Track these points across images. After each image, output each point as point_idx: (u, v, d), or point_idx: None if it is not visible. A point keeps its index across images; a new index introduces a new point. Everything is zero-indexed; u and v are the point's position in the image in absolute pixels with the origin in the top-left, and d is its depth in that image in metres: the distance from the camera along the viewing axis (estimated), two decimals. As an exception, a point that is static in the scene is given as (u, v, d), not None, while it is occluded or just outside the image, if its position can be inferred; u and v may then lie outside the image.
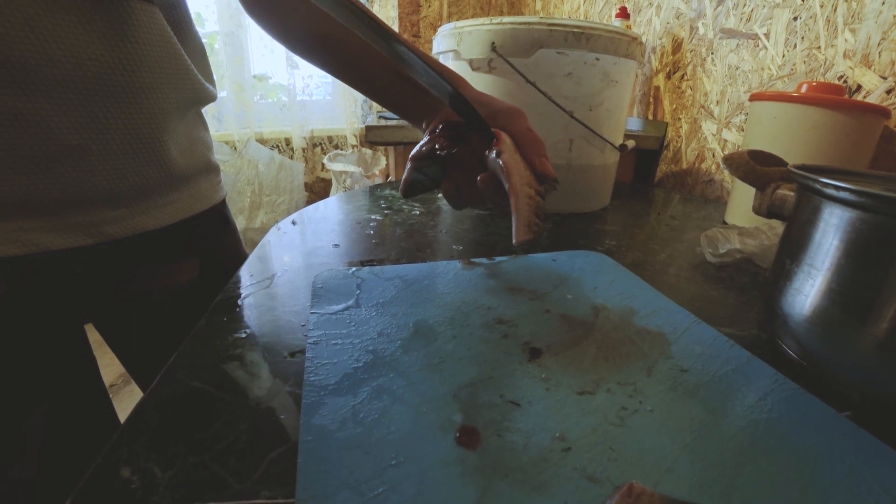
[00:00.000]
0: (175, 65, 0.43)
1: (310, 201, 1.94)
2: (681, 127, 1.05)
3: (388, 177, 1.62)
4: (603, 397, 0.30)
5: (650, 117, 1.15)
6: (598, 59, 0.62)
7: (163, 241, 0.47)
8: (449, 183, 0.42)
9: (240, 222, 1.61)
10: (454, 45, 0.66)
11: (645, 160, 1.09)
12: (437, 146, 0.40)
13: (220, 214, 0.55)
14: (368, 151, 1.82)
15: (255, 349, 0.33)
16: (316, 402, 0.27)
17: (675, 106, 1.07)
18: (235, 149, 1.67)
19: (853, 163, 0.64)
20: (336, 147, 1.92)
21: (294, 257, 0.49)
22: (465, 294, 0.41)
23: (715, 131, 0.96)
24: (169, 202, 0.46)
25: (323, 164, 1.84)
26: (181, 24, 0.46)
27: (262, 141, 1.77)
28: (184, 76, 0.44)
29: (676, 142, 1.07)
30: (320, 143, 1.90)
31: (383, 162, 1.72)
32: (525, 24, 0.60)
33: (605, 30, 0.61)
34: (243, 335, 0.34)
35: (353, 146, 1.90)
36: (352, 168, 1.55)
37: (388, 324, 0.36)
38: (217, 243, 0.55)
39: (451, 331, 0.35)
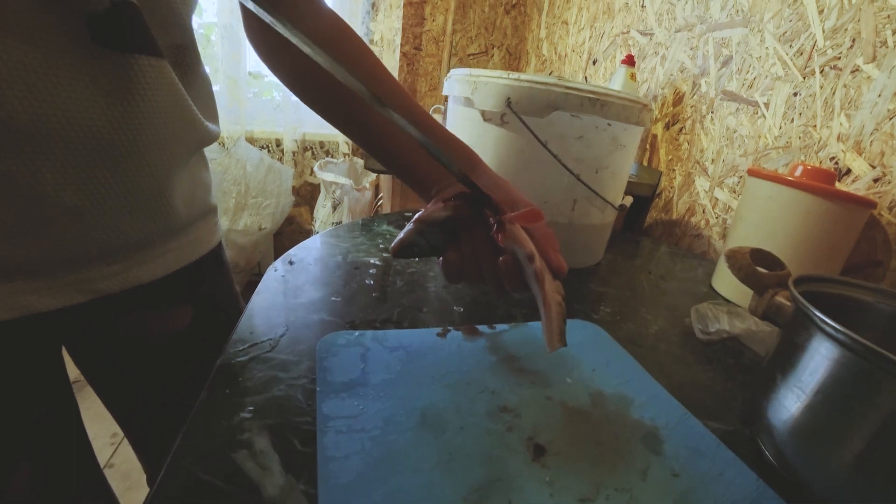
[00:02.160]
0: (182, 118, 0.41)
1: (296, 205, 1.91)
2: (674, 178, 1.08)
3: (378, 196, 1.61)
4: (602, 506, 0.31)
5: (645, 164, 1.17)
6: (609, 124, 0.64)
7: (157, 289, 0.45)
8: (455, 255, 0.39)
9: (223, 223, 1.57)
10: (468, 93, 0.67)
11: (636, 205, 1.11)
12: (455, 214, 0.38)
13: (216, 257, 0.53)
14: (360, 161, 1.81)
15: (263, 434, 0.32)
16: (330, 511, 0.27)
17: (670, 157, 1.09)
18: (224, 146, 1.63)
19: (838, 246, 0.67)
20: (327, 153, 1.90)
21: (293, 311, 0.48)
22: (470, 373, 0.42)
23: (707, 188, 0.99)
24: (167, 252, 0.44)
25: (312, 170, 1.81)
26: (189, 66, 0.43)
27: (252, 140, 1.73)
28: (190, 127, 0.42)
29: (669, 192, 1.09)
30: (311, 148, 1.87)
31: (373, 175, 1.71)
32: (543, 84, 0.61)
33: (619, 97, 0.62)
34: (249, 415, 0.34)
35: (344, 154, 1.88)
36: (342, 179, 1.53)
37: (395, 409, 0.36)
38: (213, 288, 0.53)
39: (458, 420, 0.36)
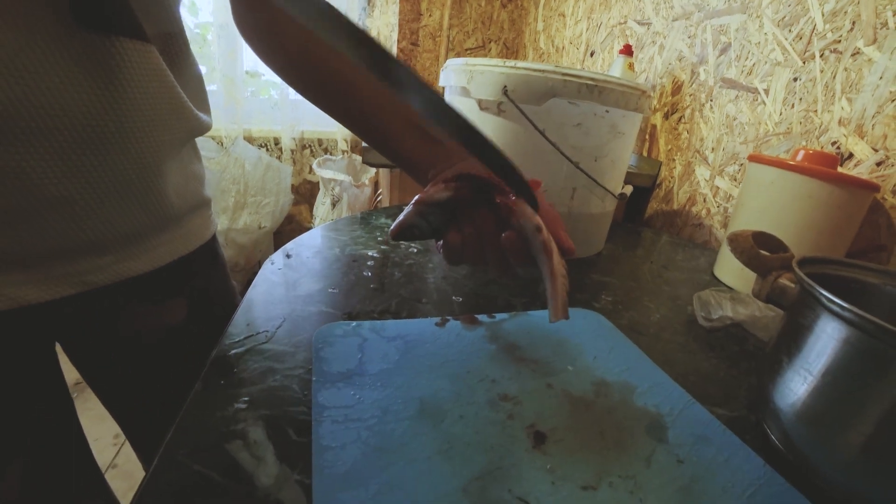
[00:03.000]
0: (170, 104, 0.40)
1: (296, 203, 1.91)
2: (674, 168, 1.07)
3: (378, 192, 1.61)
4: (605, 493, 0.31)
5: (644, 154, 1.16)
6: (608, 111, 0.63)
7: (151, 283, 0.44)
8: (456, 236, 0.38)
9: (222, 222, 1.57)
10: (464, 82, 0.66)
11: (636, 196, 1.10)
12: (456, 194, 0.38)
13: (210, 250, 0.52)
14: (358, 158, 1.80)
15: (258, 424, 0.32)
16: (327, 499, 0.26)
17: (670, 147, 1.08)
18: (222, 145, 1.63)
19: (841, 231, 0.66)
20: (326, 151, 1.89)
21: (290, 303, 0.47)
22: (469, 362, 0.41)
23: (708, 177, 0.98)
24: (159, 244, 0.43)
25: (311, 167, 1.81)
26: (178, 55, 0.42)
27: (250, 139, 1.72)
28: (179, 114, 0.41)
29: (669, 182, 1.08)
30: (310, 146, 1.87)
31: (372, 170, 1.70)
32: (540, 71, 0.60)
33: (617, 83, 0.61)
34: (243, 405, 0.33)
35: (343, 151, 1.88)
36: (341, 176, 1.52)
37: (392, 398, 0.35)
38: (207, 281, 0.52)
39: (457, 409, 0.35)
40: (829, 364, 0.33)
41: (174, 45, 0.41)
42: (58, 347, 0.47)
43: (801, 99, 0.80)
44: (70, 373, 0.48)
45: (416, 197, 0.38)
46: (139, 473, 1.23)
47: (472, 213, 0.38)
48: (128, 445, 1.30)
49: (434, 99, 0.31)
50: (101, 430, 1.28)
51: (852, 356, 0.32)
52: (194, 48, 0.46)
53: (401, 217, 0.39)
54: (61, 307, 0.39)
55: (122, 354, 0.48)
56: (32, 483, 0.41)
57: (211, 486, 0.27)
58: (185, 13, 0.43)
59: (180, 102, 0.41)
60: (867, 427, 0.31)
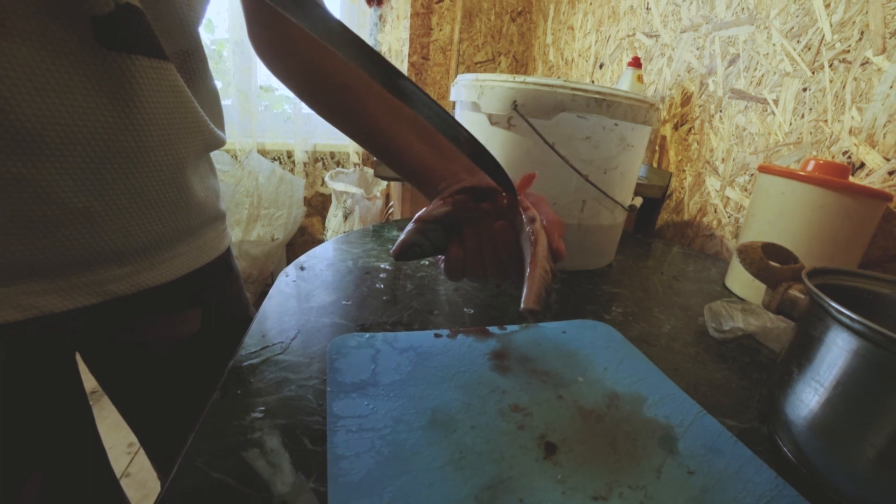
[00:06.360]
0: (187, 119, 0.41)
1: (308, 216, 1.93)
2: (685, 178, 1.07)
3: (389, 204, 1.62)
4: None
5: (655, 165, 1.16)
6: (616, 124, 0.63)
7: (167, 293, 0.46)
8: (458, 250, 0.39)
9: (236, 234, 1.59)
10: (474, 98, 0.67)
11: (647, 206, 1.11)
12: (456, 208, 0.38)
13: (225, 263, 0.53)
14: (370, 171, 1.82)
15: (274, 433, 0.32)
16: (340, 508, 0.27)
17: (680, 157, 1.08)
18: (236, 158, 1.66)
19: (854, 241, 0.66)
20: (338, 164, 1.92)
21: (305, 315, 0.48)
22: (480, 373, 0.42)
23: (718, 188, 0.98)
24: (175, 255, 0.45)
25: (323, 180, 1.83)
26: (195, 71, 0.43)
27: (263, 152, 1.76)
28: (195, 129, 0.42)
29: (679, 192, 1.08)
30: (322, 159, 1.90)
31: (384, 183, 1.72)
32: (549, 86, 0.61)
33: (625, 97, 0.62)
34: (260, 415, 0.34)
35: (355, 164, 1.90)
36: (353, 189, 1.54)
37: (405, 408, 0.36)
38: (221, 294, 0.53)
39: (469, 419, 0.36)
40: (840, 376, 0.34)
41: (192, 61, 0.43)
42: (77, 357, 0.48)
43: (810, 109, 0.80)
44: (87, 381, 0.49)
45: (416, 215, 0.39)
46: (153, 482, 1.25)
47: (475, 226, 0.39)
48: (141, 454, 1.32)
49: (433, 106, 0.33)
50: (115, 438, 1.30)
51: (863, 368, 0.32)
52: (210, 64, 0.47)
53: (402, 236, 0.39)
54: (81, 317, 0.40)
55: (137, 363, 0.49)
56: (51, 492, 0.42)
57: (229, 493, 0.28)
58: (202, 31, 0.44)
59: (197, 118, 0.42)
60: (879, 439, 0.31)
